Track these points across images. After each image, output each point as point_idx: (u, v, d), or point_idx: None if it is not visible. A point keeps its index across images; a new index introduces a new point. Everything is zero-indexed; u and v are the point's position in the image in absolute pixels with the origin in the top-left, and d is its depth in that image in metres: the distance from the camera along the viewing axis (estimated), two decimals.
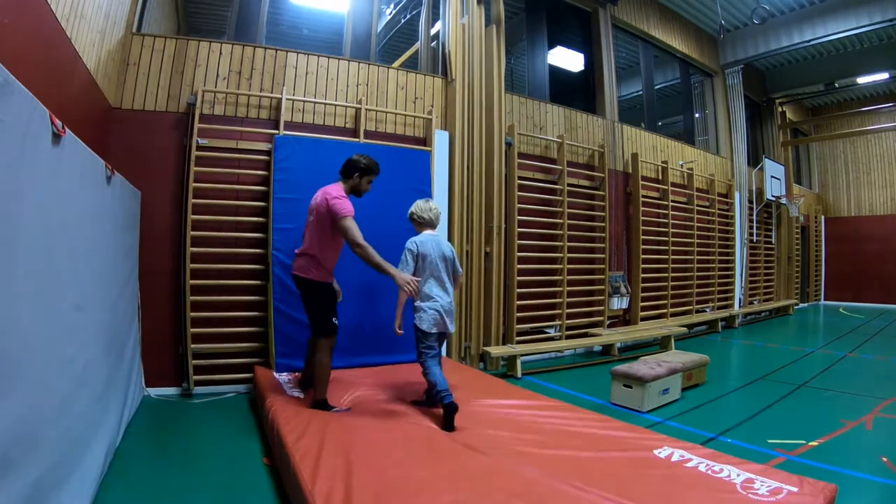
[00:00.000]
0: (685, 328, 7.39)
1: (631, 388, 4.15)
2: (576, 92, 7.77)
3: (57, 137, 1.88)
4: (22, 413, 1.57)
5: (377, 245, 4.66)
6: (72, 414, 2.10)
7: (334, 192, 3.23)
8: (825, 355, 6.60)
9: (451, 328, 3.31)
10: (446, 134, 5.61)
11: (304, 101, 4.94)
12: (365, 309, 4.58)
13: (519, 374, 5.23)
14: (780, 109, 12.40)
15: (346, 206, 3.15)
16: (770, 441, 3.37)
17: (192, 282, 4.29)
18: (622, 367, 4.30)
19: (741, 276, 9.91)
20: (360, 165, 3.38)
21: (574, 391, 4.72)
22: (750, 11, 8.76)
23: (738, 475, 2.18)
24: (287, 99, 4.79)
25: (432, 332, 3.21)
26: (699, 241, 8.76)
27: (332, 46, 6.03)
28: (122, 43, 4.25)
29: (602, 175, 7.10)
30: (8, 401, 1.47)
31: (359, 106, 5.13)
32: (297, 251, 3.48)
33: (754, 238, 10.54)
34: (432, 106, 5.66)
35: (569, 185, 6.59)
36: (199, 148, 4.40)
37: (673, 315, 8.03)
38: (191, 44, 4.59)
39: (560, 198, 6.51)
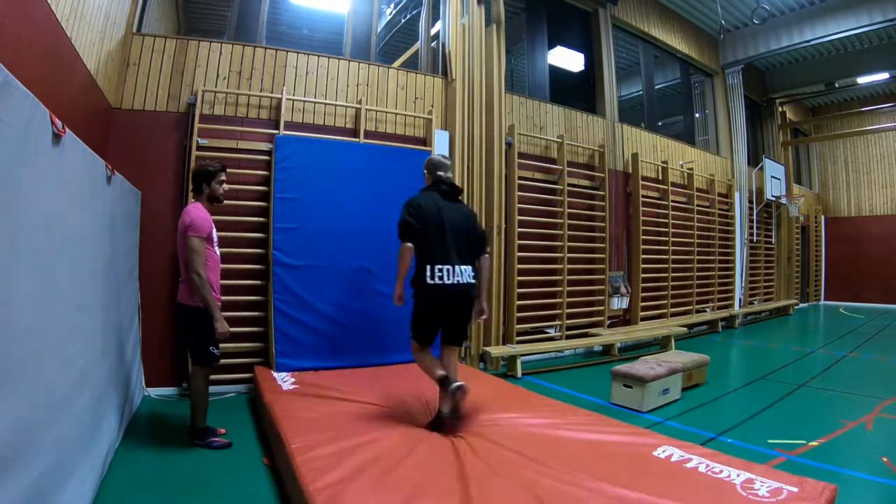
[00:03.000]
0: (685, 328, 7.39)
1: (631, 388, 4.15)
2: (576, 92, 7.76)
3: (57, 137, 1.87)
4: (22, 413, 1.57)
5: (376, 243, 4.69)
6: (72, 414, 2.10)
7: (189, 217, 3.03)
8: (825, 355, 6.59)
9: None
10: (446, 134, 5.61)
11: (304, 101, 4.94)
12: (363, 309, 4.59)
13: (519, 374, 5.23)
14: (780, 109, 12.40)
15: (197, 227, 2.99)
16: (770, 441, 3.37)
17: None
18: (622, 367, 4.30)
19: (741, 276, 9.90)
20: (204, 173, 3.20)
21: (574, 391, 4.72)
22: (750, 11, 8.76)
23: (738, 475, 2.18)
24: (287, 99, 4.79)
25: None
26: (699, 241, 8.75)
27: (332, 46, 6.02)
28: (122, 43, 4.25)
29: (602, 175, 7.10)
30: (8, 401, 1.47)
31: (359, 106, 5.13)
32: (180, 280, 3.18)
33: (754, 238, 10.53)
34: (432, 106, 5.66)
35: (569, 185, 6.59)
36: (200, 148, 4.40)
37: (673, 315, 8.03)
38: (191, 44, 4.59)
39: (560, 198, 6.51)
